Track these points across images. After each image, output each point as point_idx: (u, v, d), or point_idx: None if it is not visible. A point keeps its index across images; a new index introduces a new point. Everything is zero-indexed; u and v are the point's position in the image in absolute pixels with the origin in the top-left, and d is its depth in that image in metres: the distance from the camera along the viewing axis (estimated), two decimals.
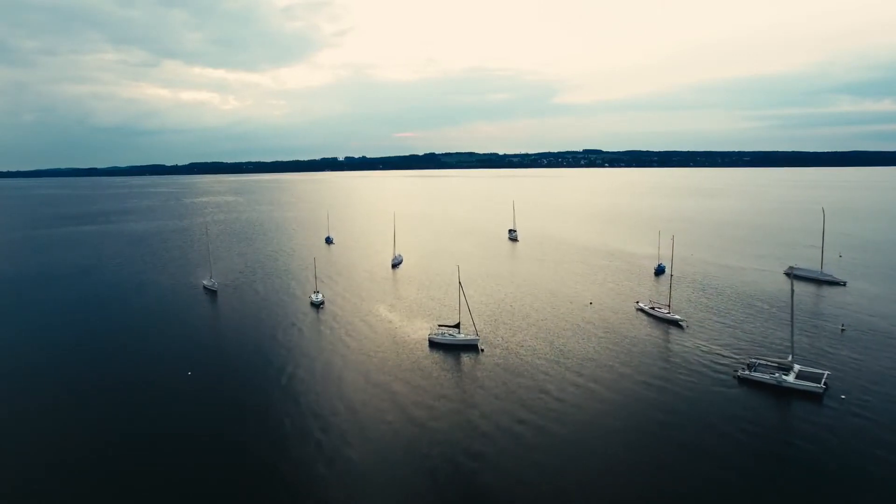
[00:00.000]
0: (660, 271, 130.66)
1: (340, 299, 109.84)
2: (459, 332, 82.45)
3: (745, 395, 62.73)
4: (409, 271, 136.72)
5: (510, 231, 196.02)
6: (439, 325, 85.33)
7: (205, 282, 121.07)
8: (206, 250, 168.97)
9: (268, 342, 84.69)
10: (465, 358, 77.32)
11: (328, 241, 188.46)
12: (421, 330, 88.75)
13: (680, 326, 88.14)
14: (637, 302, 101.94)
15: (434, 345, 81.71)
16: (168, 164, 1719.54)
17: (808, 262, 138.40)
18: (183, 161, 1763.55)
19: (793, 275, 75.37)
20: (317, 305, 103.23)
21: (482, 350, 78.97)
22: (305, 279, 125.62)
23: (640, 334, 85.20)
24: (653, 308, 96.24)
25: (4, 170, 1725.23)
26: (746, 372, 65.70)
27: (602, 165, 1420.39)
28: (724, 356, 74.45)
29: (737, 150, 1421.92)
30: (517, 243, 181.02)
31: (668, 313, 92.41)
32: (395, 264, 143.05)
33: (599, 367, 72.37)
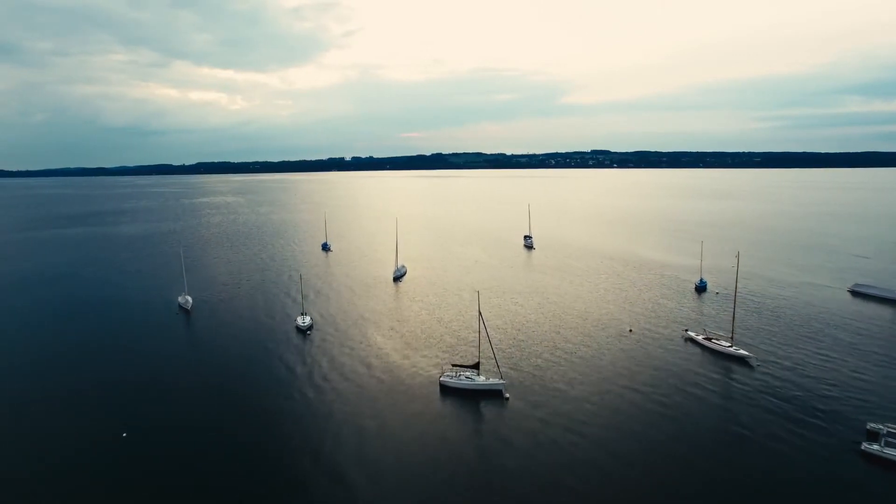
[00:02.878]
0: (701, 287, 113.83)
1: (332, 322, 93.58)
2: (479, 375, 66.04)
3: (880, 481, 45.75)
4: (413, 286, 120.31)
5: (525, 237, 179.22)
6: (453, 365, 68.80)
7: (179, 299, 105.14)
8: (189, 261, 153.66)
9: (237, 384, 68.41)
10: (487, 409, 60.91)
11: (325, 247, 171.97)
12: (428, 367, 72.34)
13: (748, 365, 71.27)
14: (686, 330, 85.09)
15: (447, 390, 65.30)
16: (175, 163, 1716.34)
17: (867, 276, 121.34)
18: (190, 161, 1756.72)
19: None
20: (303, 331, 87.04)
21: (507, 398, 62.50)
22: (295, 295, 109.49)
23: (700, 377, 68.27)
24: (708, 339, 79.35)
25: (14, 169, 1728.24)
26: (875, 446, 48.55)
27: (610, 166, 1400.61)
28: (820, 414, 57.48)
29: (746, 150, 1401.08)
30: (533, 251, 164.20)
31: (731, 347, 75.53)
32: (398, 277, 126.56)
33: (659, 431, 55.64)
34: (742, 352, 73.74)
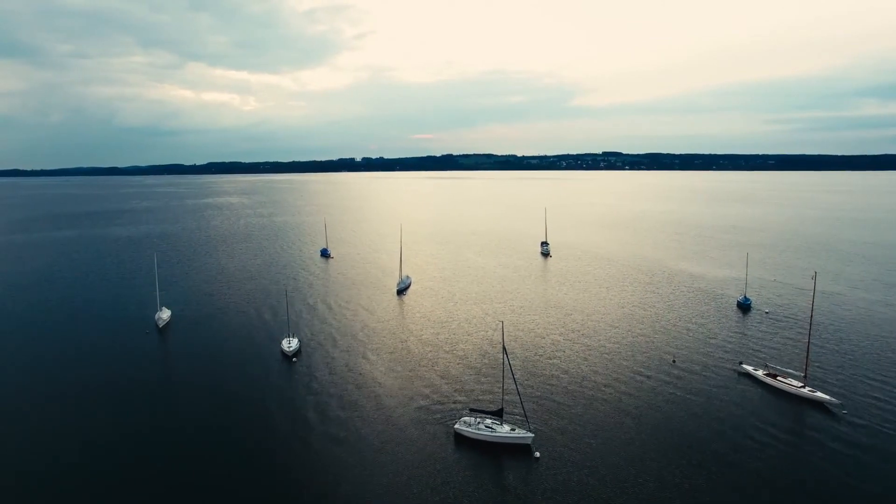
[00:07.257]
0: (745, 306, 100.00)
1: (324, 344, 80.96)
2: (502, 424, 53.13)
3: None
4: (419, 300, 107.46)
5: (542, 244, 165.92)
6: (471, 410, 55.91)
7: (156, 315, 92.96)
8: (177, 267, 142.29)
9: (205, 424, 55.86)
10: (513, 470, 47.94)
11: (324, 254, 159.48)
12: (438, 408, 59.47)
13: (829, 413, 57.77)
14: (740, 363, 71.36)
15: (463, 440, 52.48)
16: (187, 163, 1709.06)
17: None
18: (201, 161, 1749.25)
19: None
20: (289, 357, 74.47)
21: (537, 456, 49.48)
22: (284, 311, 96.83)
23: (767, 431, 54.69)
24: (772, 376, 65.77)
25: (30, 169, 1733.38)
26: None
27: (622, 168, 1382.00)
28: None
29: (760, 153, 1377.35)
30: (550, 259, 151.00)
31: (804, 387, 61.99)
32: (402, 289, 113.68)
33: None
34: (820, 394, 60.14)
